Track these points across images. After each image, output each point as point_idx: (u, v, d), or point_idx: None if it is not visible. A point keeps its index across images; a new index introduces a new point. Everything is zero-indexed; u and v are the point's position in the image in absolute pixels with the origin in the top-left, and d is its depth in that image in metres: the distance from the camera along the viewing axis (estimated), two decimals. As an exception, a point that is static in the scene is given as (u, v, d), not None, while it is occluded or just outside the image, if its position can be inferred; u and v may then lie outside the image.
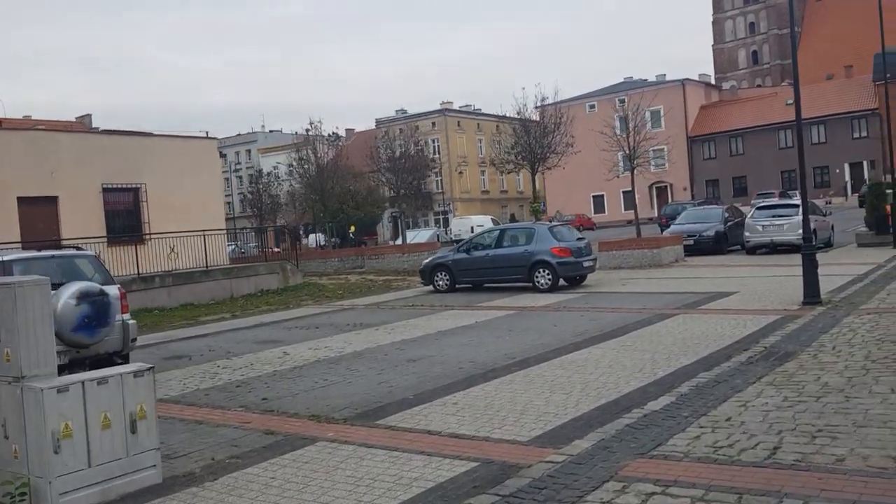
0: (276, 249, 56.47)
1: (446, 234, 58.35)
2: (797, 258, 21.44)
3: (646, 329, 11.48)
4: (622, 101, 73.70)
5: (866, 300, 12.71)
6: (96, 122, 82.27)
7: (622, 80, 77.76)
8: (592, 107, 72.65)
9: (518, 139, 27.87)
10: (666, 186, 71.50)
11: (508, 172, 40.44)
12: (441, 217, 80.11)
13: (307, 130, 31.65)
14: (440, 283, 18.98)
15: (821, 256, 21.81)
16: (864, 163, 61.04)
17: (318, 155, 42.49)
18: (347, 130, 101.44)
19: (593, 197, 74.31)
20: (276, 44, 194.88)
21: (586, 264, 17.96)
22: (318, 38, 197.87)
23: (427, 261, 19.69)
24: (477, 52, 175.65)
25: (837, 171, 62.13)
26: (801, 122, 14.03)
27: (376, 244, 57.78)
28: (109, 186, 20.70)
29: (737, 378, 7.76)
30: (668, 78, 73.22)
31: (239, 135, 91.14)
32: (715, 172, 68.87)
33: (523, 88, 50.03)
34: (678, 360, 9.03)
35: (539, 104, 24.14)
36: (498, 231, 19.14)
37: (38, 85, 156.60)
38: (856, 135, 61.85)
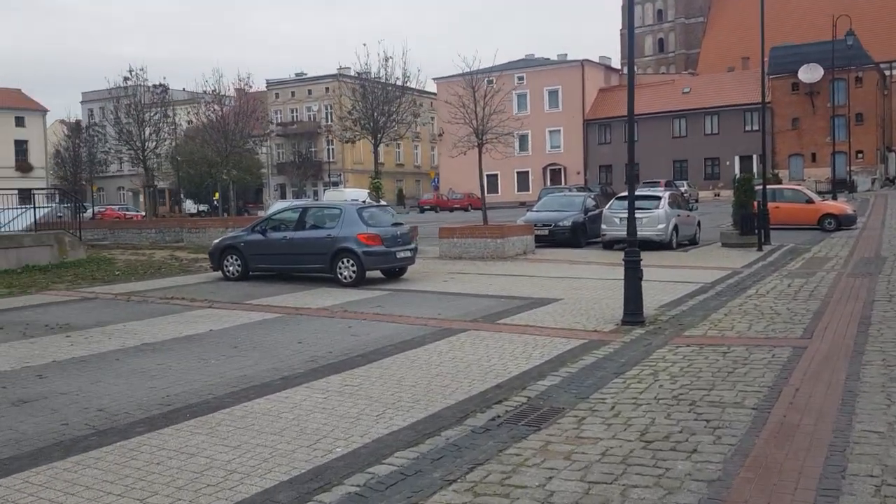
0: (130, 213, 51.80)
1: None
2: (657, 257, 19.63)
3: (409, 353, 8.66)
4: (521, 79, 71.77)
5: (698, 321, 10.29)
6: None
7: (524, 56, 75.54)
8: (491, 82, 69.86)
9: (355, 104, 24.54)
10: (560, 169, 69.93)
11: (347, 141, 36.98)
12: (331, 188, 76.18)
13: (125, 79, 27.34)
14: (230, 268, 15.72)
15: (677, 257, 19.92)
16: (755, 156, 60.80)
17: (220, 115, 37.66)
18: (237, 90, 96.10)
19: (487, 176, 71.71)
20: None
21: (401, 255, 15.06)
22: None
23: (217, 241, 16.35)
24: (397, 24, 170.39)
25: (728, 163, 61.76)
26: (633, 113, 11.39)
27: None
28: None
29: (441, 466, 4.98)
30: (569, 58, 71.42)
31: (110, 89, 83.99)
32: (609, 158, 67.59)
33: (364, 44, 45.76)
34: (392, 418, 6.19)
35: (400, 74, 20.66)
36: (300, 209, 15.93)
37: None
38: (748, 127, 61.53)
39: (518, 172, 71.80)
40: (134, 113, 27.39)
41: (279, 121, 77.96)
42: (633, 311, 10.29)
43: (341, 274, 14.53)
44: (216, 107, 27.01)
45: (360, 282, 14.44)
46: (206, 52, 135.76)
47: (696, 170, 64.09)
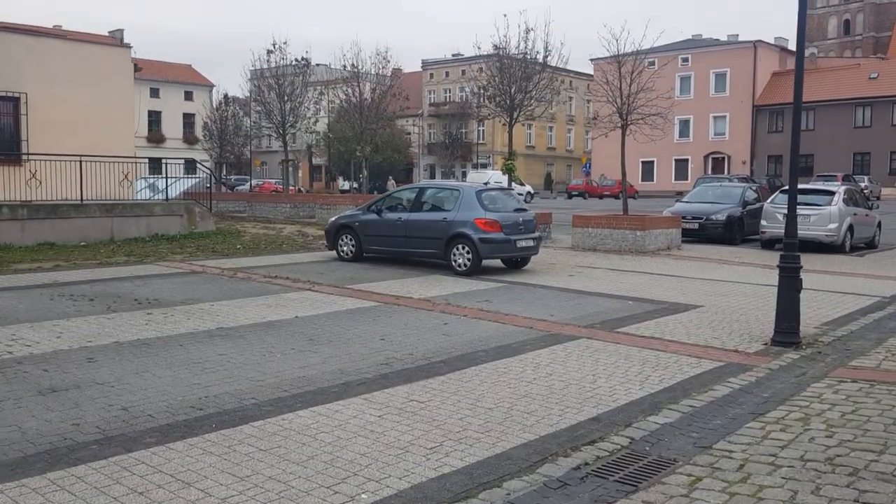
0: (294, 188, 53.13)
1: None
2: (825, 262, 16.95)
3: (501, 362, 7.36)
4: (685, 60, 67.50)
5: (870, 347, 8.28)
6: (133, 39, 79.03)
7: (690, 37, 71.04)
8: (652, 63, 66.34)
9: (490, 80, 23.07)
10: (723, 158, 65.35)
11: (481, 119, 34.91)
12: (475, 170, 75.72)
13: (268, 52, 27.38)
14: (344, 248, 14.96)
15: (850, 262, 17.07)
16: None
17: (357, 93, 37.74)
18: (394, 70, 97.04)
19: (642, 163, 68.54)
20: None
21: (522, 244, 13.66)
22: None
23: (333, 219, 15.62)
24: (563, 7, 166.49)
25: (919, 158, 55.17)
26: (799, 97, 9.25)
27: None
28: (-27, 93, 17.14)
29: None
30: (739, 38, 66.37)
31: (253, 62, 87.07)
32: (780, 147, 62.20)
33: (504, 15, 43.41)
34: (448, 455, 4.92)
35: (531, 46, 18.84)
36: (417, 189, 14.85)
37: None
38: (945, 118, 54.60)
39: (676, 160, 67.86)
40: (275, 87, 27.56)
41: (432, 101, 78.06)
42: (786, 329, 8.43)
43: (455, 261, 13.36)
44: (354, 83, 26.65)
45: (475, 271, 13.21)
46: (374, 34, 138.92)
47: (879, 164, 57.77)
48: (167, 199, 19.25)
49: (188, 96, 60.55)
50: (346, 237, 14.87)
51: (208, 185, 23.26)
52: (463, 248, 13.25)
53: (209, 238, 18.05)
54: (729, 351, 8.10)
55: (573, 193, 61.61)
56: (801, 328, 9.04)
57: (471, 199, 13.45)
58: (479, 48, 24.08)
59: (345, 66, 26.85)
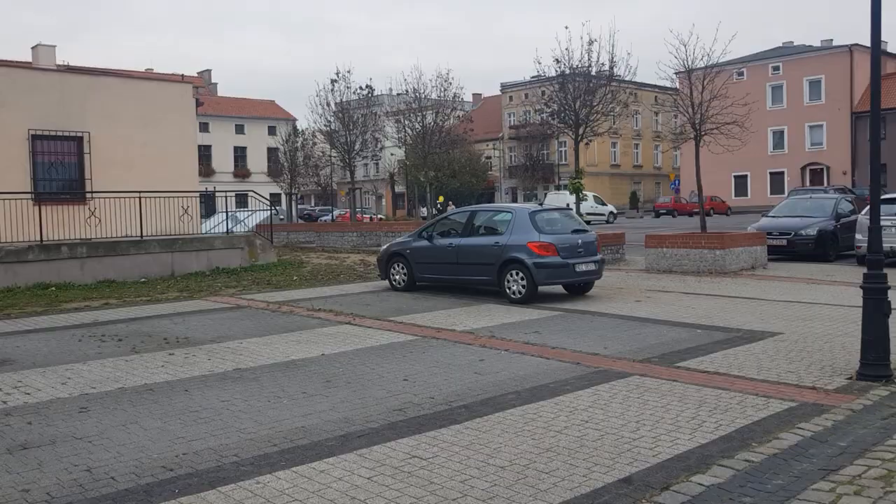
0: (366, 216, 53.36)
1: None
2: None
3: (532, 406, 6.47)
4: (776, 69, 64.52)
5: (980, 384, 6.93)
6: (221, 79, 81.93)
7: (780, 44, 67.99)
8: (741, 74, 63.80)
9: (553, 96, 22.03)
10: (822, 169, 61.77)
11: (555, 138, 32.96)
12: (553, 191, 74.43)
13: (332, 82, 27.22)
14: (396, 277, 14.30)
15: None
16: None
17: (427, 120, 37.46)
18: (474, 95, 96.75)
19: (734, 177, 65.66)
20: (460, 8, 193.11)
21: (582, 268, 12.63)
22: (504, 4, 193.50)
23: (385, 247, 14.99)
24: (650, 18, 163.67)
25: None
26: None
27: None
28: (41, 133, 17.44)
29: None
30: (835, 43, 62.94)
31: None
32: (884, 155, 58.09)
33: (566, 27, 40.91)
34: (433, 531, 4.09)
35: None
36: (469, 212, 14.04)
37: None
38: None
39: (771, 173, 64.66)
40: (340, 115, 27.38)
41: (511, 123, 77.39)
42: (873, 360, 7.19)
43: (509, 288, 12.48)
44: (416, 107, 26.19)
45: (530, 298, 12.29)
46: (460, 61, 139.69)
47: None
48: (227, 233, 19.14)
49: (271, 131, 62.01)
50: (398, 265, 14.22)
51: (281, 218, 23.09)
52: (517, 273, 12.37)
53: (268, 270, 17.78)
54: (804, 388, 6.93)
55: (661, 212, 59.39)
56: (894, 358, 7.78)
57: (524, 222, 12.57)
58: (539, 62, 23.14)
59: (406, 91, 26.51)
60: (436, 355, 8.65)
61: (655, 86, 65.62)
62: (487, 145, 78.12)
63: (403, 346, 9.18)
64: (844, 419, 5.92)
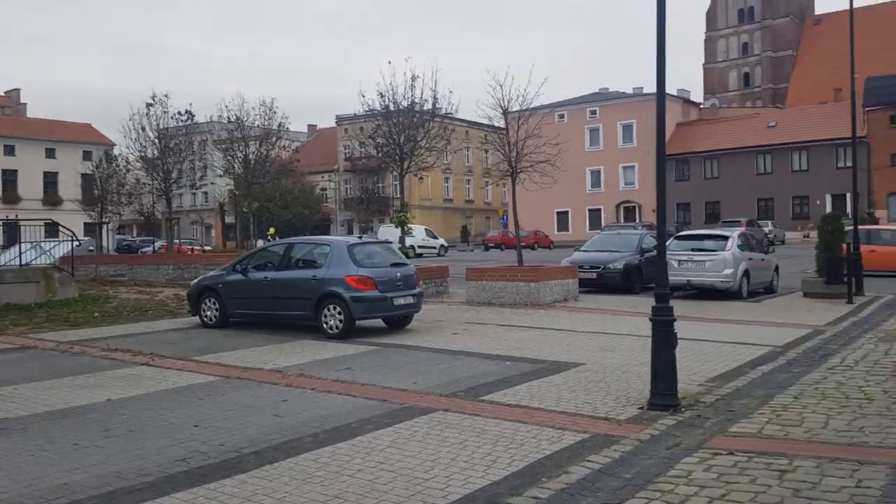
0: (187, 247, 51.02)
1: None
2: (720, 309, 16.30)
3: (326, 450, 6.18)
4: (593, 113, 68.93)
5: (754, 407, 7.44)
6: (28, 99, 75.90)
7: (598, 90, 72.77)
8: (562, 116, 67.53)
9: (377, 129, 22.33)
10: (635, 206, 66.38)
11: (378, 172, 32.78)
12: (385, 224, 74.80)
13: (148, 105, 25.92)
14: (208, 314, 13.56)
15: (746, 309, 16.21)
16: (848, 195, 55.94)
17: (250, 149, 36.26)
18: (309, 126, 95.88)
19: (557, 213, 69.13)
20: (295, 36, 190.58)
21: (400, 301, 12.56)
22: (338, 34, 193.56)
23: (195, 281, 14.25)
24: (475, 60, 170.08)
25: (819, 202, 56.97)
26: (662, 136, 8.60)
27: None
28: None
29: None
30: (645, 91, 68.17)
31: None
32: (688, 195, 63.75)
33: (389, 62, 39.66)
34: None
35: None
36: (286, 245, 13.65)
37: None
38: (840, 164, 56.78)
39: (590, 209, 68.67)
40: (157, 141, 26.00)
41: (346, 156, 77.24)
42: (663, 390, 7.53)
43: (326, 323, 12.15)
44: (238, 136, 25.40)
45: (348, 333, 12.02)
46: (303, 90, 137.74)
47: (782, 209, 59.58)
48: (22, 265, 17.45)
49: (87, 156, 58.09)
50: (210, 301, 13.50)
51: (91, 249, 21.44)
52: (334, 308, 12.07)
53: (68, 306, 16.34)
54: (598, 419, 7.13)
55: (490, 245, 61.15)
56: (685, 386, 8.23)
57: (342, 255, 12.34)
58: (363, 95, 23.19)
59: (229, 119, 25.66)
60: (236, 397, 8.17)
61: (483, 124, 68.13)
62: (323, 177, 77.44)
63: (202, 389, 8.61)
64: (632, 450, 6.09)
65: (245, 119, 25.31)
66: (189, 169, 30.75)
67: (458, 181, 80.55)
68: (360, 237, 18.46)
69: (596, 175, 68.08)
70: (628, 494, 5.13)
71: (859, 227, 18.61)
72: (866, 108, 56.38)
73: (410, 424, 6.95)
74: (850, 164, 55.21)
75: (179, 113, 26.28)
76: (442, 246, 50.22)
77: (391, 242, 15.82)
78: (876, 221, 42.06)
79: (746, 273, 17.08)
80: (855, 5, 17.43)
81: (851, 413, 7.06)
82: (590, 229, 67.53)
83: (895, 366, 9.25)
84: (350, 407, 7.66)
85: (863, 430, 6.47)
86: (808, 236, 54.21)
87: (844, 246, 16.63)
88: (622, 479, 5.41)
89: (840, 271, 16.28)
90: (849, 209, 49.91)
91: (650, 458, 5.89)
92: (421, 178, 78.58)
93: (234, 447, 6.27)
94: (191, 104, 41.91)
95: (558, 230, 67.66)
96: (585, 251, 20.34)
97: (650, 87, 62.89)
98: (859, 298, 16.40)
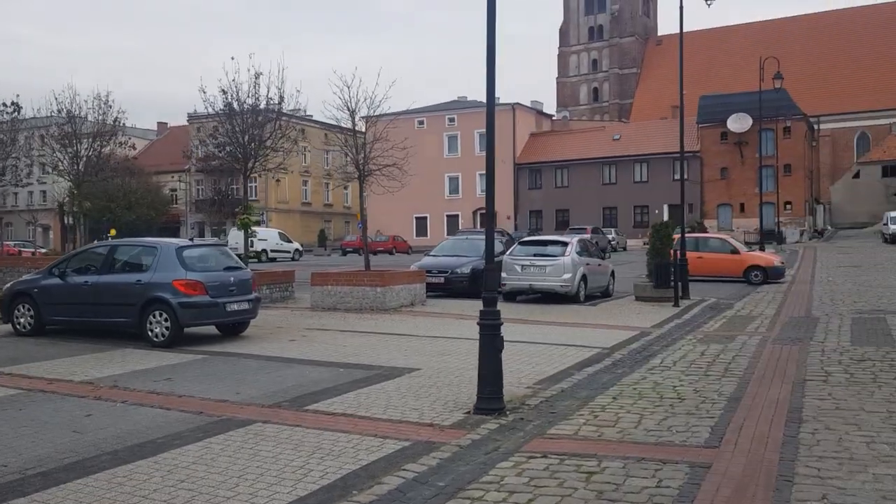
0: (15, 248, 47.30)
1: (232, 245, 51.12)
2: (559, 312, 16.84)
3: (119, 469, 5.73)
4: (451, 120, 69.96)
5: (574, 409, 7.58)
6: None
7: (456, 98, 73.90)
8: (422, 123, 68.18)
9: (219, 127, 21.67)
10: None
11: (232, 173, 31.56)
12: (237, 227, 72.26)
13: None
14: (21, 321, 12.45)
15: (581, 312, 16.76)
16: (685, 204, 59.82)
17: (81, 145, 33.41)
18: (159, 124, 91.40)
19: (416, 218, 69.63)
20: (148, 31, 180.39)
21: (234, 307, 12.02)
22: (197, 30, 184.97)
23: (8, 286, 13.09)
24: (327, 65, 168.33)
25: (657, 211, 60.47)
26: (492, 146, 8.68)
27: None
28: None
29: None
30: (501, 101, 69.95)
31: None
32: (539, 203, 66.02)
33: (232, 58, 37.02)
34: None
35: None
36: (108, 247, 12.78)
37: None
38: (677, 176, 60.34)
39: (448, 215, 69.59)
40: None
41: (197, 156, 74.22)
42: (488, 393, 7.54)
43: (151, 331, 11.42)
44: (69, 130, 23.66)
45: (175, 341, 11.35)
46: (161, 88, 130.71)
47: (625, 217, 62.86)
48: None
49: None
50: (23, 306, 12.40)
51: None
52: (160, 314, 11.37)
53: None
54: (423, 425, 7.03)
55: (348, 250, 60.60)
56: (513, 389, 8.33)
57: (170, 258, 11.65)
58: (204, 91, 22.20)
59: (59, 111, 23.86)
60: (34, 412, 7.47)
61: (342, 127, 67.39)
62: (173, 177, 74.06)
63: (1, 403, 7.81)
64: (450, 456, 6.01)
65: (77, 112, 23.61)
66: (13, 166, 28.32)
67: (317, 184, 79.37)
68: (192, 239, 17.59)
69: (454, 181, 69.13)
70: (444, 500, 5.04)
71: (689, 235, 19.80)
72: (700, 125, 60.56)
73: (223, 438, 6.57)
74: (686, 176, 59.06)
75: (4, 104, 24.13)
76: (297, 250, 49.21)
77: (225, 244, 15.15)
78: (705, 230, 45.05)
79: (584, 278, 17.71)
80: (695, 28, 18.49)
81: (663, 412, 7.35)
82: (447, 234, 68.52)
83: (709, 366, 9.79)
84: (161, 421, 7.17)
85: (671, 430, 6.73)
86: (647, 243, 57.61)
87: (672, 252, 17.59)
88: (435, 488, 5.32)
89: (668, 276, 17.22)
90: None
91: (467, 465, 5.84)
92: (278, 181, 77.08)
93: (20, 468, 5.69)
94: (17, 95, 38.80)
95: (417, 235, 68.10)
96: (434, 256, 20.43)
97: (506, 97, 64.68)
98: (685, 302, 17.39)
